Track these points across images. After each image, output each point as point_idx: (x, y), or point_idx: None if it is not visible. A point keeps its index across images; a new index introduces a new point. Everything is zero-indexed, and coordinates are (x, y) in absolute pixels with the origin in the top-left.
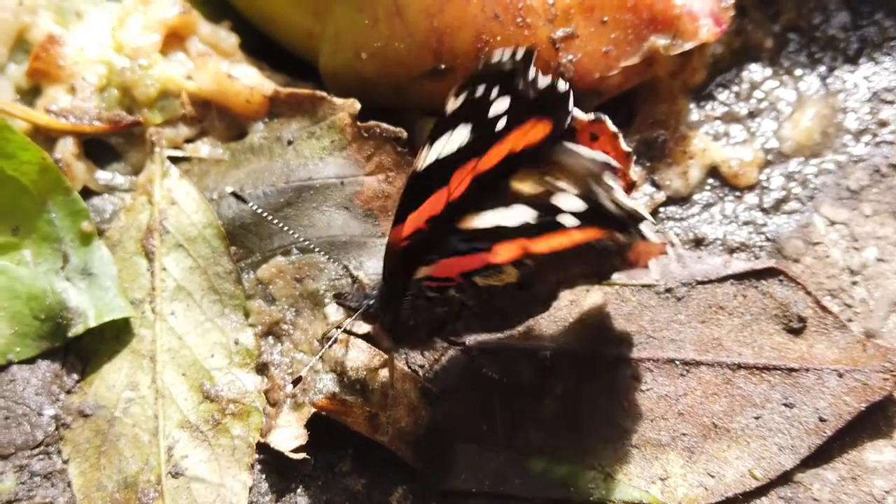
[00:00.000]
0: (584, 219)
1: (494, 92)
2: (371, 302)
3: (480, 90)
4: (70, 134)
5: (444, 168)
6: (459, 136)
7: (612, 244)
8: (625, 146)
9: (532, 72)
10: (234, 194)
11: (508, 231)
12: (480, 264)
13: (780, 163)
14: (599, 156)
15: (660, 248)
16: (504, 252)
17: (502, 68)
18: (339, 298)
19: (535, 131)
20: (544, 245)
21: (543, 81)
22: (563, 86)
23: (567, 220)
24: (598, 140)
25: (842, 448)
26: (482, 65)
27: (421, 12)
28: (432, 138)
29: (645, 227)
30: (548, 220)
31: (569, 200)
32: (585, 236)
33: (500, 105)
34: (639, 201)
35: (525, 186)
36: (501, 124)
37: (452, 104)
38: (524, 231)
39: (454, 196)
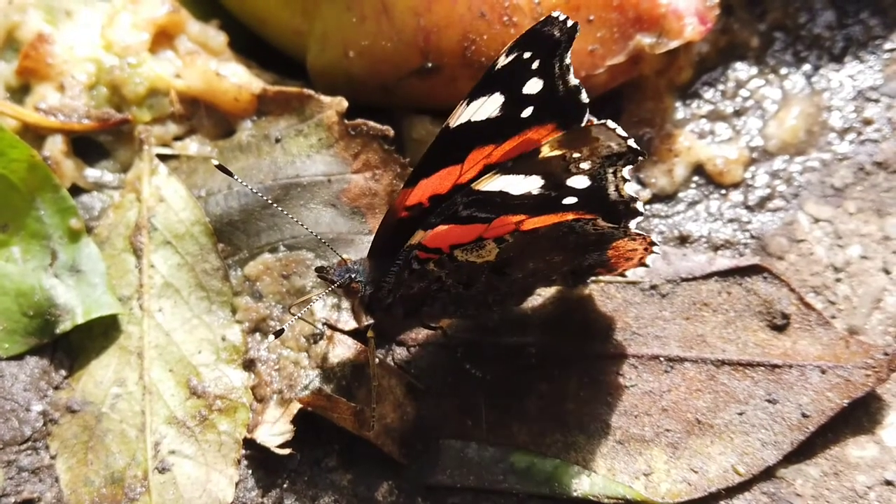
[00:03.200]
0: (582, 198)
1: (536, 64)
2: (353, 276)
3: (527, 54)
4: (59, 132)
5: (467, 139)
6: (492, 106)
7: (594, 233)
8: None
9: (569, 58)
10: (220, 167)
11: (508, 201)
12: (472, 237)
13: (765, 161)
14: (632, 143)
15: (639, 255)
16: (497, 226)
17: (551, 32)
18: (321, 272)
19: (544, 141)
20: (535, 222)
21: (573, 80)
22: (585, 96)
23: (567, 199)
24: None
25: (824, 444)
26: (532, 28)
27: (408, 11)
28: (471, 97)
29: (633, 224)
30: (549, 195)
31: (578, 179)
32: (576, 216)
33: (534, 86)
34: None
35: (552, 152)
36: (528, 112)
37: (503, 59)
38: (522, 205)
39: (463, 179)
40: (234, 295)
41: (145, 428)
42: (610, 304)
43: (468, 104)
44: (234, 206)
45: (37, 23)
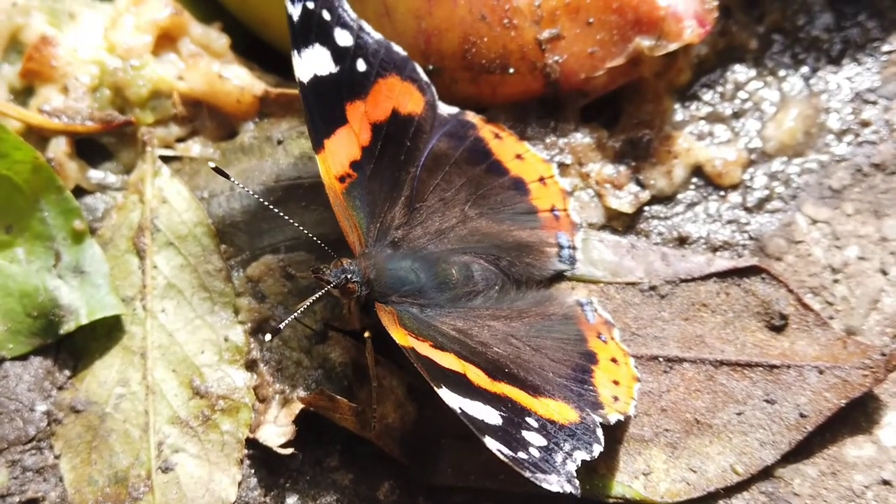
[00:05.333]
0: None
1: (325, 14)
2: (349, 276)
3: (311, 4)
4: (62, 133)
5: (330, 94)
6: (323, 59)
7: None
8: (540, 154)
9: (350, 9)
10: (217, 169)
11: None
12: None
13: (764, 162)
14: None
15: None
16: None
17: None
18: (317, 273)
19: (409, 96)
20: None
21: (375, 33)
22: (399, 49)
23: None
24: (501, 139)
25: (822, 443)
26: None
27: (409, 13)
28: (296, 47)
29: None
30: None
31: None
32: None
33: (344, 37)
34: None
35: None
36: (361, 66)
37: (293, 9)
38: None
39: (364, 143)
40: (236, 296)
41: (149, 428)
42: (609, 305)
43: (299, 54)
44: (237, 207)
45: (40, 25)
